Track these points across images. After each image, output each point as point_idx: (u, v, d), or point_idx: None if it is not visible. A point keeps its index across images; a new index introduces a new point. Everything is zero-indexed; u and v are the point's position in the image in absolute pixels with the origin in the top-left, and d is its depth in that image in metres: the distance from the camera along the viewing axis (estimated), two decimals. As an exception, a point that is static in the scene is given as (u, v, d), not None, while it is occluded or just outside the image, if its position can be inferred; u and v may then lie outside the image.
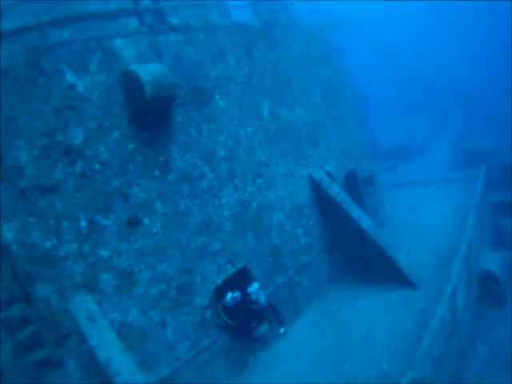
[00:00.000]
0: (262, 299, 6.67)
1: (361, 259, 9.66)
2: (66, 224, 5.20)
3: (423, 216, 13.05)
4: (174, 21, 6.98)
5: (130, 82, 5.59)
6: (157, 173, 6.11)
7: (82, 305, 5.24)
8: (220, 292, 7.00)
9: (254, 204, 7.77)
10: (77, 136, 5.30)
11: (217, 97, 7.33)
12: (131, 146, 5.80)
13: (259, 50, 8.43)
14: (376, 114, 27.88)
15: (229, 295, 6.75)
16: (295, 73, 9.41)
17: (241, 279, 7.44)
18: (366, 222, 8.99)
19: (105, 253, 5.50)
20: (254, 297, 6.55)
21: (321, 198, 9.32)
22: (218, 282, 6.90)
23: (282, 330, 7.28)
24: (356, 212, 9.09)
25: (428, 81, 34.29)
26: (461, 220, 11.40)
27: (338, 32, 21.00)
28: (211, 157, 7.03)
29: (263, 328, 7.42)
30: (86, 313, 5.21)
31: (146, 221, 5.92)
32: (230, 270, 7.16)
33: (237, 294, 6.74)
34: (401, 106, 32.37)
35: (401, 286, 8.98)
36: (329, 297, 9.58)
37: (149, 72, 5.55)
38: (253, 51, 8.26)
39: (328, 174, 9.62)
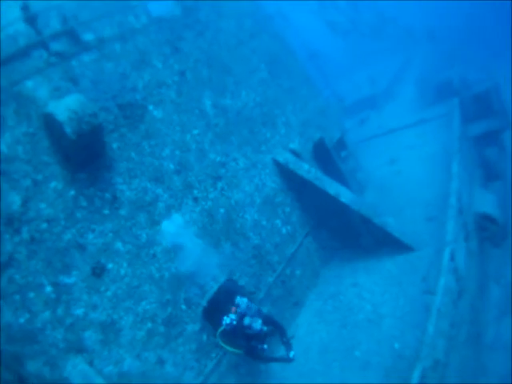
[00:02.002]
0: (257, 325, 6.50)
1: (350, 233, 10.18)
2: (32, 295, 5.47)
3: (404, 166, 13.69)
4: (90, 37, 7.10)
5: (50, 124, 5.78)
6: (107, 212, 6.36)
7: (75, 369, 5.57)
8: (216, 313, 7.27)
9: (221, 210, 8.11)
10: (14, 201, 5.51)
11: (150, 107, 7.55)
12: (72, 192, 6.03)
13: (186, 42, 8.64)
14: (336, 68, 28.59)
15: (224, 321, 6.74)
16: (232, 53, 9.67)
17: (230, 292, 7.79)
18: (345, 195, 9.45)
19: (79, 311, 5.79)
20: (247, 322, 6.47)
21: (292, 180, 9.73)
22: (204, 303, 7.26)
23: (291, 355, 6.98)
24: (332, 186, 9.54)
25: (381, 23, 35.16)
26: (444, 163, 12.01)
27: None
28: (161, 175, 7.29)
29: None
30: (81, 375, 5.55)
31: (110, 265, 6.20)
32: (213, 287, 7.52)
33: (231, 317, 6.69)
34: (359, 55, 33.33)
35: (396, 250, 9.51)
36: (326, 280, 10.14)
37: (65, 108, 5.70)
38: (179, 45, 8.46)
39: (293, 152, 9.98)
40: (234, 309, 6.78)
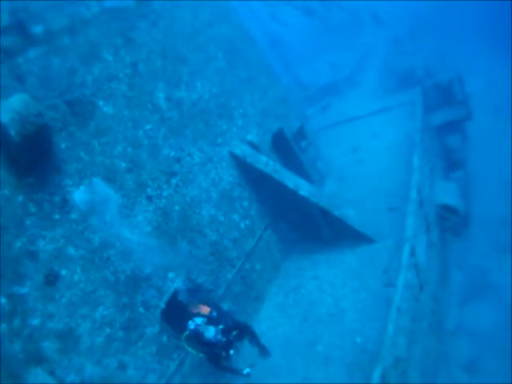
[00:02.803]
0: (209, 334, 6.62)
1: (310, 225, 10.73)
2: (-14, 307, 5.63)
3: (366, 155, 14.35)
4: (39, 29, 7.06)
5: (-6, 127, 5.84)
6: (57, 216, 6.52)
7: (37, 380, 5.78)
8: (177, 316, 7.61)
9: (176, 207, 8.40)
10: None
11: (100, 103, 7.66)
12: (20, 198, 6.15)
13: (140, 32, 8.74)
14: (298, 55, 29.28)
15: (189, 325, 6.92)
16: (188, 43, 9.87)
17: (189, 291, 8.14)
18: (304, 188, 9.93)
19: (36, 321, 5.97)
20: (200, 329, 6.71)
21: (250, 173, 10.14)
22: (162, 305, 7.59)
23: (246, 371, 6.95)
24: (291, 179, 9.99)
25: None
26: (406, 152, 12.64)
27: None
28: (112, 174, 7.47)
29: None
30: (43, 387, 5.77)
31: (63, 272, 6.40)
32: (171, 288, 7.85)
33: (197, 321, 6.86)
34: (322, 42, 34.37)
35: (357, 242, 10.14)
36: (287, 273, 10.73)
37: (9, 109, 5.77)
38: (132, 35, 8.55)
39: (251, 144, 10.34)
40: (202, 308, 7.16)
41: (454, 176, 15.12)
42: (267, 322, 9.41)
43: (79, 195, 6.81)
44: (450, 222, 11.88)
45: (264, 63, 12.52)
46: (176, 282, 7.94)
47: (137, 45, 8.55)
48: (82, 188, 6.90)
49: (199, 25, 10.37)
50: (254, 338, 7.23)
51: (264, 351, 7.24)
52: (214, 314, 7.05)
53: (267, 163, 9.94)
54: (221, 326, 6.76)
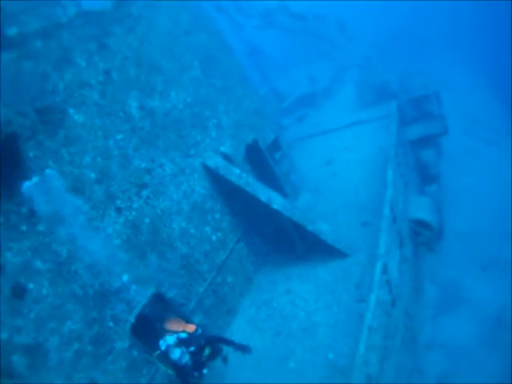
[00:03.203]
0: (175, 355, 6.75)
1: (283, 238, 10.94)
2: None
3: (340, 168, 14.72)
4: (13, 31, 7.05)
5: (-39, 137, 5.87)
6: (24, 228, 6.53)
7: None
8: (148, 333, 7.74)
9: (146, 220, 8.49)
10: None
11: (71, 111, 7.68)
12: (-13, 209, 6.16)
13: (115, 37, 8.79)
14: (276, 64, 30.00)
15: (161, 345, 7.02)
16: (164, 51, 9.99)
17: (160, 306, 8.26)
18: (276, 201, 10.14)
19: (4, 335, 5.97)
20: (169, 351, 6.84)
21: (222, 185, 10.32)
22: (132, 319, 7.65)
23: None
24: (263, 192, 10.20)
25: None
26: (380, 166, 12.99)
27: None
28: (81, 185, 7.50)
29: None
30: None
31: (31, 285, 6.41)
32: (141, 302, 7.92)
33: (168, 341, 6.97)
34: (299, 52, 35.54)
35: (330, 257, 10.42)
36: (259, 286, 10.94)
37: (-25, 117, 5.81)
38: (107, 41, 8.60)
39: (225, 155, 10.53)
40: (178, 325, 7.25)
41: (428, 190, 15.60)
42: (239, 335, 9.52)
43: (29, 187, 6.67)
44: (423, 237, 12.24)
45: (240, 73, 12.76)
46: (146, 297, 8.01)
47: (111, 51, 8.60)
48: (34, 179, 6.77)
49: (177, 32, 10.52)
50: (232, 345, 7.30)
51: (244, 349, 7.32)
52: (199, 331, 7.18)
53: (240, 176, 10.12)
54: (192, 349, 6.79)
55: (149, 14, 9.75)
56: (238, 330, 9.79)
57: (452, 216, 16.49)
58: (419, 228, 12.02)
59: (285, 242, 10.97)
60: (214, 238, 9.92)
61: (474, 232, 16.13)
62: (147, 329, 7.74)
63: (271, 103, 25.67)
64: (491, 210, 17.83)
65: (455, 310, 12.67)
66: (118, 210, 8.01)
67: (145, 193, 8.59)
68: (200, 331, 7.18)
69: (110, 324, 7.37)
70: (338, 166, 15.02)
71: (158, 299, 8.44)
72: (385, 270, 8.17)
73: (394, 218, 9.75)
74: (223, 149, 10.66)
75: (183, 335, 7.03)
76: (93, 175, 7.74)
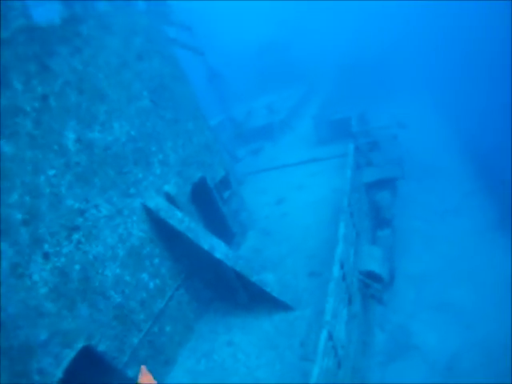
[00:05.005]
0: None
1: (226, 287, 10.76)
2: None
3: (291, 209, 14.86)
4: None
5: None
6: None
7: None
8: None
9: (77, 266, 8.18)
10: None
11: (1, 142, 7.28)
12: None
13: (59, 58, 8.39)
14: (237, 91, 30.62)
15: None
16: (111, 77, 9.69)
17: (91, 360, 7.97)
18: (219, 250, 10.07)
19: None
20: None
21: (163, 228, 10.11)
22: (59, 374, 7.31)
23: None
24: (206, 239, 10.12)
25: (289, 53, 40.12)
26: (332, 210, 13.17)
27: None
28: (5, 227, 7.14)
29: None
30: None
31: None
32: (69, 355, 7.60)
33: None
34: (262, 82, 36.85)
35: (274, 309, 10.45)
36: (200, 335, 10.80)
37: None
38: (49, 62, 8.18)
39: (168, 195, 10.35)
40: None
41: (381, 235, 15.91)
42: (176, 389, 9.36)
43: None
44: (373, 290, 12.38)
45: (193, 105, 12.67)
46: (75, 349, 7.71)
47: (52, 74, 8.20)
48: None
49: (128, 57, 10.27)
50: None
51: None
52: None
53: (182, 220, 9.99)
54: None
55: (100, 35, 9.48)
56: (175, 382, 9.58)
57: (404, 259, 16.98)
58: (370, 280, 12.16)
59: (228, 289, 10.86)
60: (151, 285, 9.69)
61: (424, 275, 16.63)
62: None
63: (227, 131, 25.93)
64: (442, 252, 18.48)
65: (405, 357, 12.93)
66: (46, 256, 7.65)
67: (76, 236, 8.24)
68: None
69: (36, 378, 7.05)
70: (290, 206, 15.22)
71: (89, 352, 8.12)
72: (330, 337, 8.11)
73: (344, 275, 9.80)
74: (167, 188, 10.46)
75: None
76: (19, 216, 7.35)
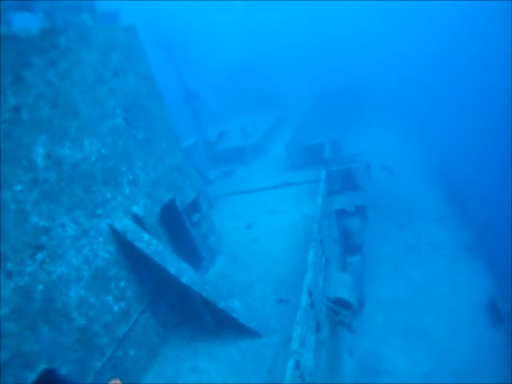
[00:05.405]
0: None
1: (192, 311, 10.70)
2: None
3: (261, 234, 15.05)
4: None
5: None
6: None
7: None
8: None
9: (40, 286, 8.00)
10: None
11: (-31, 154, 7.12)
12: None
13: (34, 70, 8.21)
14: (213, 112, 31.15)
15: None
16: (86, 92, 9.57)
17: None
18: (186, 274, 10.05)
19: None
20: None
21: (129, 251, 10.02)
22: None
23: None
24: (173, 263, 10.09)
25: (264, 77, 41.20)
26: (301, 237, 13.28)
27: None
28: (-33, 244, 6.99)
29: None
30: None
31: None
32: (30, 378, 7.39)
33: None
34: (237, 103, 37.64)
35: (241, 335, 10.41)
36: (166, 359, 10.65)
37: None
38: (24, 73, 7.99)
39: (136, 217, 10.27)
40: None
41: (351, 260, 16.14)
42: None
43: None
44: (342, 316, 12.47)
45: (167, 125, 12.66)
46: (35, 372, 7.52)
47: (26, 85, 8.00)
48: None
49: (105, 73, 10.19)
50: None
51: None
52: None
53: (149, 242, 9.93)
54: None
55: (78, 48, 9.37)
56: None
57: (374, 285, 17.21)
58: (338, 307, 12.25)
59: (195, 315, 10.78)
60: (116, 308, 9.54)
61: (394, 301, 16.89)
62: None
63: (201, 152, 26.01)
64: (412, 278, 18.83)
65: (375, 382, 13.03)
66: (8, 275, 7.47)
67: (40, 256, 8.06)
68: None
69: (-4, 401, 6.86)
70: (260, 231, 15.32)
71: (50, 375, 7.90)
72: (297, 366, 8.12)
73: (312, 302, 9.85)
74: (135, 209, 10.39)
75: None
76: (-18, 232, 7.22)
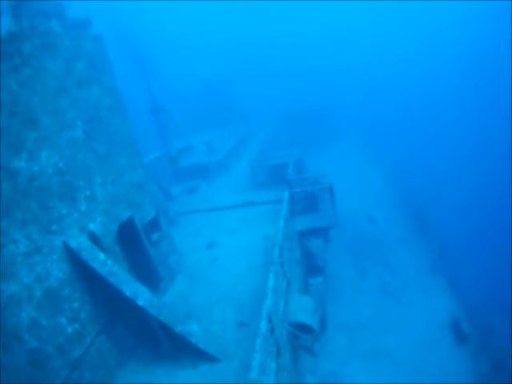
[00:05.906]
0: None
1: (149, 334, 10.45)
2: None
3: (222, 254, 15.03)
4: None
5: None
6: None
7: None
8: None
9: (-10, 306, 7.67)
10: None
11: None
12: None
13: None
14: (180, 127, 31.30)
15: None
16: (47, 102, 9.30)
17: None
18: (143, 297, 9.84)
19: None
20: None
21: (84, 270, 9.72)
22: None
23: None
24: (129, 285, 9.86)
25: (232, 94, 41.92)
26: (263, 257, 13.26)
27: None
28: None
29: None
30: None
31: None
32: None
33: None
34: (202, 120, 38.08)
35: (200, 360, 10.21)
36: (122, 384, 10.33)
37: None
38: None
39: (92, 235, 10.02)
40: None
41: (313, 282, 16.18)
42: None
43: None
44: (303, 341, 12.42)
45: (129, 140, 12.47)
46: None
47: None
48: None
49: (68, 82, 9.96)
50: None
51: None
52: None
53: (105, 263, 9.68)
54: None
55: (42, 56, 9.13)
56: None
57: (336, 306, 17.32)
58: (300, 332, 12.19)
59: (152, 338, 10.53)
60: (69, 329, 9.23)
61: (356, 322, 17.04)
62: None
63: (164, 167, 25.80)
64: (374, 299, 19.07)
65: None
66: (-43, 293, 7.20)
67: (-9, 273, 7.79)
68: None
69: None
70: (221, 251, 15.27)
71: None
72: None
73: (272, 328, 9.75)
74: (92, 226, 10.12)
75: None
76: None
